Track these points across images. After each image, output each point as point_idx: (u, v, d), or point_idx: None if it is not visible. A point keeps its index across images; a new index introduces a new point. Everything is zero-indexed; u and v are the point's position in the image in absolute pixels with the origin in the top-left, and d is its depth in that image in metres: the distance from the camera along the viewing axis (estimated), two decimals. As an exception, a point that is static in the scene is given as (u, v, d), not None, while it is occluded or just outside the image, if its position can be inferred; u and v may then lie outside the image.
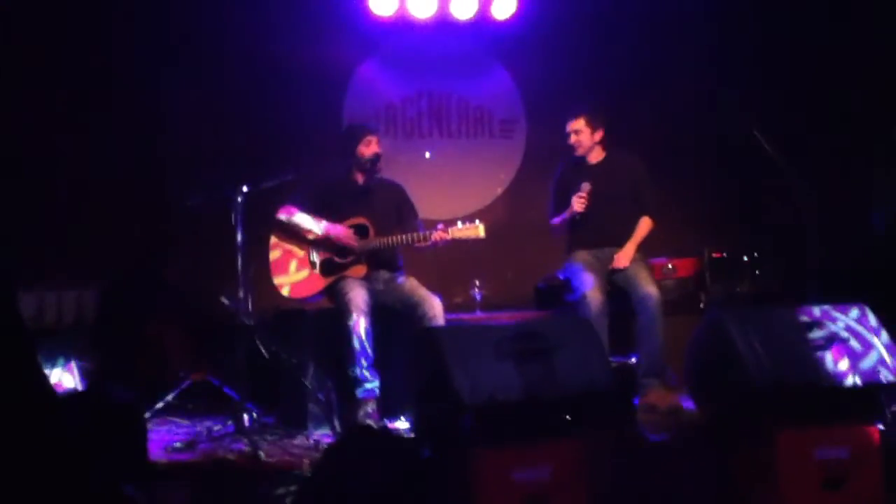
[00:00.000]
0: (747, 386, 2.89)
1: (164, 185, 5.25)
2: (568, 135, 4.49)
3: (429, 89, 5.95)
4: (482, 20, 5.69)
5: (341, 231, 4.07)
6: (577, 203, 4.31)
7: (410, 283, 4.07)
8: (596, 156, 4.51)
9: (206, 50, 5.40)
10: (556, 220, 4.52)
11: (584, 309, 4.07)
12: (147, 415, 3.61)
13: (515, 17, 5.68)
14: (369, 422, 3.76)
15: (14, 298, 1.95)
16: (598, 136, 4.47)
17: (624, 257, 4.32)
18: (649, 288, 4.15)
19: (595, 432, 2.91)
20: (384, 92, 5.89)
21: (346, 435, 2.80)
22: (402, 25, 5.68)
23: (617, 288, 4.30)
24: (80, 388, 4.21)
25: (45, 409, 1.93)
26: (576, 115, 4.47)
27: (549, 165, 4.76)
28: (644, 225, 4.44)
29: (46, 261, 4.84)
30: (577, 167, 4.52)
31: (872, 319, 3.09)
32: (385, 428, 3.63)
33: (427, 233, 4.02)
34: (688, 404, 3.72)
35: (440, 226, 4.02)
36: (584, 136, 4.44)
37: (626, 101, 5.48)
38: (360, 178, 4.28)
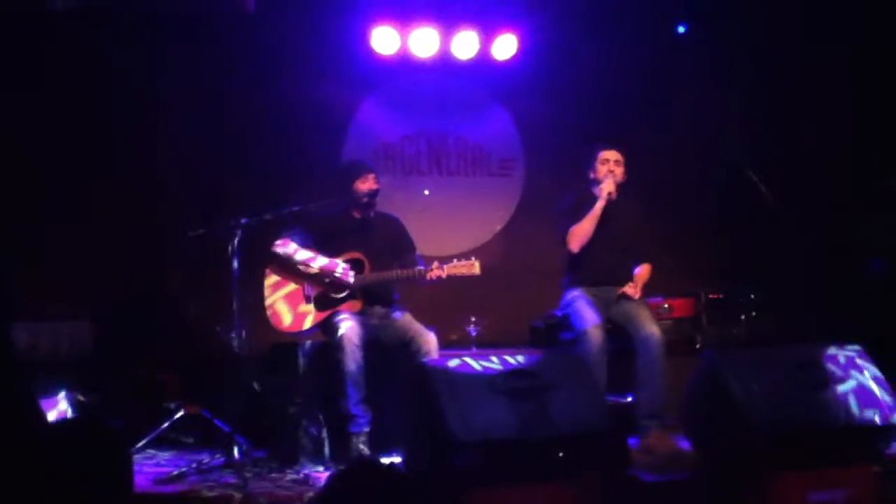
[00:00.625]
0: (743, 430, 2.88)
1: (163, 218, 5.27)
2: (601, 161, 4.39)
3: (428, 128, 6.01)
4: (483, 61, 5.76)
5: (336, 267, 4.06)
6: (608, 184, 4.25)
7: (405, 319, 4.07)
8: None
9: (208, 87, 5.48)
10: (573, 224, 4.34)
11: (585, 346, 4.01)
12: (138, 445, 3.58)
13: (516, 58, 5.75)
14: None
15: (6, 329, 1.95)
16: (625, 177, 4.43)
17: (635, 289, 4.29)
18: (652, 328, 4.09)
19: (589, 473, 2.88)
20: (384, 130, 5.94)
21: (349, 468, 2.76)
22: (403, 65, 5.76)
23: (616, 326, 4.24)
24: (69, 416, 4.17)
25: (36, 436, 1.92)
26: (616, 146, 4.43)
27: (547, 205, 4.76)
28: (646, 270, 4.44)
29: (41, 292, 4.83)
30: (587, 200, 4.41)
31: (868, 361, 3.09)
32: (384, 463, 3.59)
33: (422, 269, 4.01)
34: (687, 447, 3.68)
35: (435, 263, 4.02)
36: (621, 169, 4.39)
37: (625, 142, 5.52)
38: (357, 214, 4.29)
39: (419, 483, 2.77)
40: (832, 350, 3.11)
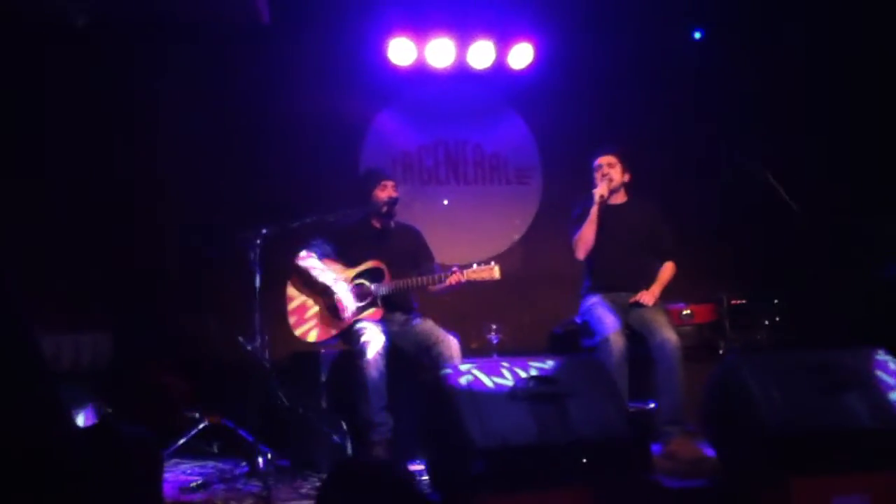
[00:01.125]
0: (763, 432, 2.86)
1: (183, 231, 5.33)
2: (596, 168, 4.46)
3: (446, 137, 6.04)
4: (499, 70, 5.79)
5: (345, 311, 4.08)
6: (599, 188, 4.32)
7: (426, 324, 4.08)
8: (618, 198, 4.50)
9: (224, 99, 5.54)
10: (576, 232, 4.41)
11: (606, 353, 3.97)
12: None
13: (532, 66, 5.77)
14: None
15: (35, 337, 1.98)
16: (626, 177, 4.48)
17: (650, 296, 4.27)
18: (668, 333, 4.04)
19: (610, 479, 2.87)
20: (402, 140, 5.98)
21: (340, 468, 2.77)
22: (420, 75, 5.80)
23: (634, 332, 4.21)
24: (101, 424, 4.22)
25: (70, 443, 1.95)
26: (609, 151, 4.48)
27: (565, 212, 4.76)
28: (668, 269, 4.42)
29: (64, 304, 4.90)
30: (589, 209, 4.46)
31: (891, 363, 3.06)
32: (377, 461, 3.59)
33: (442, 275, 4.03)
34: (710, 452, 3.66)
35: (455, 268, 4.04)
36: (615, 171, 4.43)
37: (643, 149, 5.51)
38: (376, 223, 4.32)
39: (410, 481, 2.77)
40: (854, 352, 3.08)
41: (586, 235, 4.35)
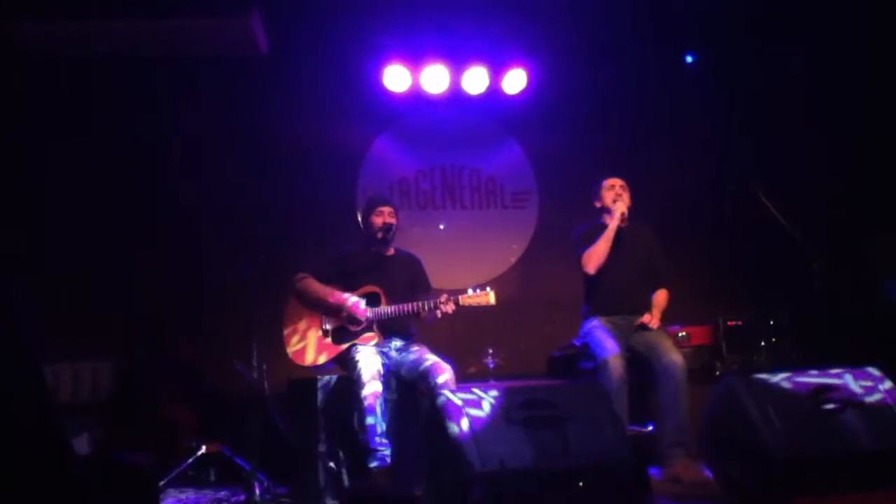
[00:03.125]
0: (762, 455, 2.86)
1: (180, 257, 5.34)
2: (608, 188, 4.48)
3: (441, 162, 6.07)
4: (493, 95, 5.83)
5: (346, 301, 4.09)
6: (620, 205, 4.36)
7: (421, 351, 4.08)
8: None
9: (226, 124, 5.59)
10: (588, 248, 4.39)
11: (606, 376, 3.97)
12: (160, 484, 3.59)
13: (526, 91, 5.82)
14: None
15: (38, 366, 1.98)
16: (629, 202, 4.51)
17: (655, 319, 4.28)
18: (674, 356, 4.04)
19: (608, 503, 2.86)
20: (398, 165, 6.02)
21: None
22: (416, 102, 5.85)
23: (637, 356, 4.21)
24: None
25: (70, 472, 1.94)
26: (619, 174, 4.53)
27: (562, 236, 4.78)
28: (662, 296, 4.44)
29: (62, 333, 4.90)
30: (599, 229, 4.45)
31: (889, 384, 3.06)
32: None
33: (433, 301, 4.01)
34: (711, 475, 3.64)
35: (444, 295, 4.02)
36: (627, 194, 4.47)
37: (639, 172, 5.54)
38: (374, 249, 4.34)
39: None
40: (852, 373, 3.09)
41: (601, 250, 4.33)
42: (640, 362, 4.19)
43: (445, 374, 3.90)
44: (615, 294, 4.38)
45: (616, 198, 4.44)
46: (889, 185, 5.60)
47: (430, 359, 3.99)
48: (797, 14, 5.51)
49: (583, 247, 4.42)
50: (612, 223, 4.36)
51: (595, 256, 4.35)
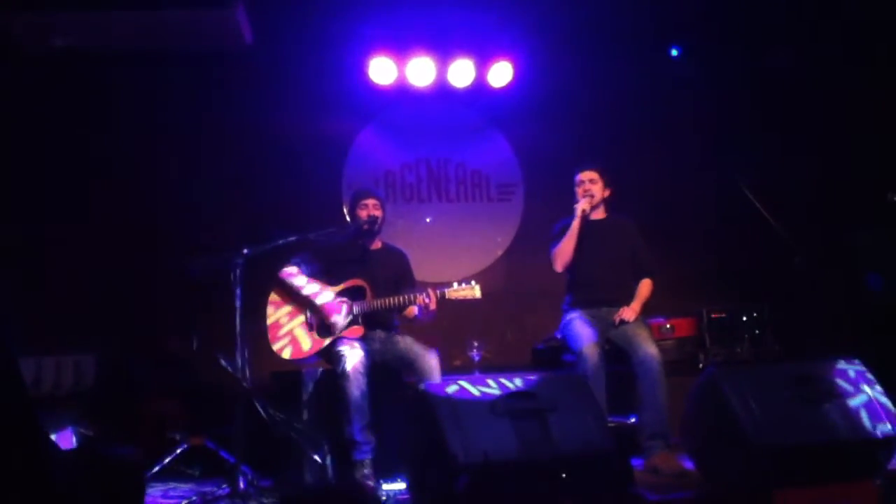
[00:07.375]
0: (743, 446, 2.88)
1: (164, 250, 5.31)
2: (578, 183, 4.53)
3: (427, 155, 6.06)
4: (479, 88, 5.82)
5: (331, 315, 4.09)
6: (582, 202, 4.40)
7: (406, 341, 4.09)
8: (598, 214, 4.56)
9: (206, 118, 5.55)
10: (556, 245, 4.46)
11: (582, 365, 4.01)
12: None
13: (512, 84, 5.81)
14: (366, 483, 3.72)
15: (15, 364, 1.97)
16: (607, 193, 4.54)
17: (631, 312, 4.30)
18: (650, 348, 4.08)
19: (592, 494, 2.88)
20: (384, 158, 6.00)
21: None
22: (401, 94, 5.83)
23: (616, 347, 4.24)
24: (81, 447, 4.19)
25: (51, 467, 1.93)
26: (590, 167, 4.54)
27: (547, 229, 4.80)
28: (646, 286, 4.46)
29: (44, 326, 4.87)
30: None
31: (869, 375, 3.09)
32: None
33: (418, 295, 4.02)
34: (692, 466, 3.68)
35: (429, 289, 4.02)
36: (597, 187, 4.50)
37: (623, 164, 5.57)
38: (360, 241, 4.34)
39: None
40: (841, 365, 3.11)
41: (566, 249, 4.41)
42: (620, 354, 4.22)
43: (431, 363, 3.91)
44: (594, 287, 4.41)
45: (584, 193, 4.49)
46: (872, 180, 5.64)
47: (415, 347, 4.01)
48: (784, 12, 5.54)
49: (554, 243, 4.49)
50: (575, 221, 4.42)
51: (561, 254, 4.44)
